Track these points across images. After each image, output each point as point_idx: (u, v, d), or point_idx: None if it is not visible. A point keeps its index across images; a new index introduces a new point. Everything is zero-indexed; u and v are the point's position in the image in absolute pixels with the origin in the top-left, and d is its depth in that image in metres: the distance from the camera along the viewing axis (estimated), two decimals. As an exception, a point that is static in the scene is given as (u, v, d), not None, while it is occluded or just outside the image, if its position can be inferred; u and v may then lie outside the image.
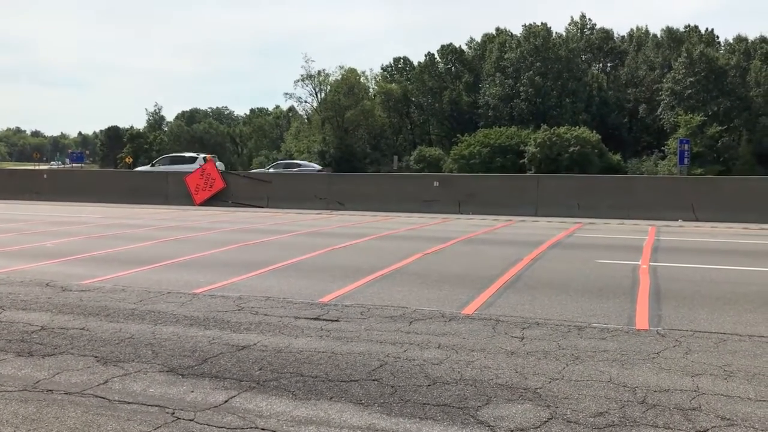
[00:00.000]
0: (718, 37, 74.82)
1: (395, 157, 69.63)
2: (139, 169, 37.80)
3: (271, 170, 35.12)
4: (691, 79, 63.79)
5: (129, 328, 6.40)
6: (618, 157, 60.71)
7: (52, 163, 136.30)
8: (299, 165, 42.57)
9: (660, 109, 66.87)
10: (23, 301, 7.63)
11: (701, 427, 4.01)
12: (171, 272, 9.69)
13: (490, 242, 13.52)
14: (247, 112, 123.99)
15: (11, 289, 8.31)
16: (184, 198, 24.54)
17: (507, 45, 77.59)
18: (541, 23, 77.54)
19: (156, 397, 4.56)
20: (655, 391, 4.60)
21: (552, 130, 58.38)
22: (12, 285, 8.57)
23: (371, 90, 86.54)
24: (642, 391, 4.62)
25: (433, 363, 5.26)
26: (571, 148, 56.04)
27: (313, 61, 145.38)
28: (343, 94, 78.27)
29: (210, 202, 24.25)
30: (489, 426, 4.05)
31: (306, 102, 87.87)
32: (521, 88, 73.45)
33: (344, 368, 5.15)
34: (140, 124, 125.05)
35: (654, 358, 5.38)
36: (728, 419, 4.13)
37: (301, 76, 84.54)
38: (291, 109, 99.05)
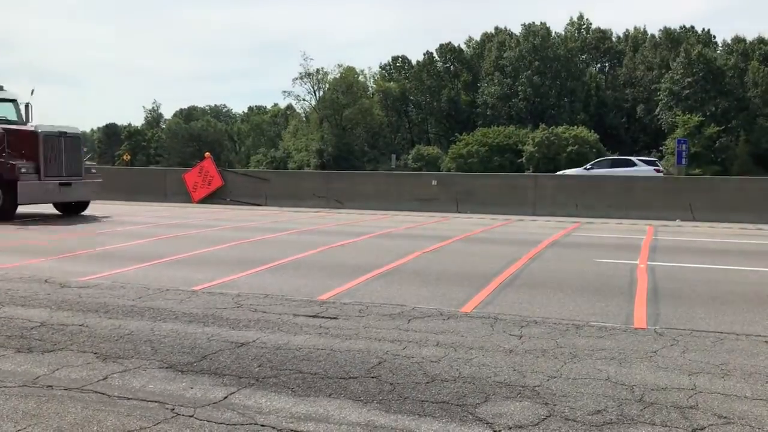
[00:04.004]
0: (714, 37, 75.02)
1: (393, 156, 69.69)
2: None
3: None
4: (689, 80, 63.92)
5: (128, 325, 6.41)
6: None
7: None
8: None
9: (658, 110, 66.99)
10: (22, 297, 7.63)
11: (698, 425, 4.03)
12: (169, 269, 9.70)
13: (488, 241, 13.54)
14: (245, 110, 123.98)
15: (10, 285, 8.31)
16: (183, 195, 24.52)
17: (506, 44, 77.68)
18: (540, 23, 77.66)
19: (155, 393, 4.57)
20: (652, 390, 4.63)
21: (550, 130, 58.45)
22: (10, 281, 8.57)
23: (370, 88, 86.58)
24: (640, 389, 4.64)
25: (432, 360, 5.28)
26: (569, 148, 56.11)
27: (311, 59, 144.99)
28: (341, 93, 78.34)
29: (208, 199, 24.23)
30: (487, 423, 4.07)
31: (304, 100, 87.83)
32: (519, 88, 73.54)
33: (343, 365, 5.17)
34: (138, 121, 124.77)
35: (651, 356, 5.41)
36: (725, 417, 4.15)
37: (300, 74, 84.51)
38: (289, 107, 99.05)
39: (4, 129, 17.04)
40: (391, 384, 4.75)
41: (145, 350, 5.60)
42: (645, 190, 19.93)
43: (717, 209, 18.28)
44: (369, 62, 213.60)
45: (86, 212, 18.94)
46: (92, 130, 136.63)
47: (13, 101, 18.84)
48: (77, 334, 6.11)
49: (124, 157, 78.24)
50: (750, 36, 70.46)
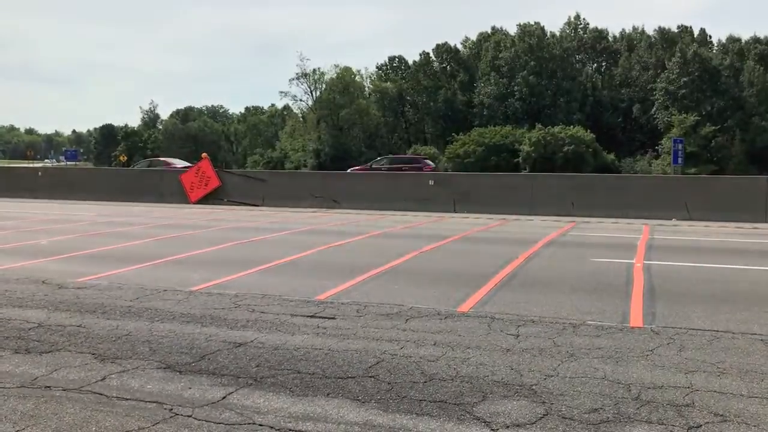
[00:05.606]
0: (710, 37, 75.07)
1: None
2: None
3: None
4: (685, 79, 64.00)
5: (126, 326, 6.42)
6: (612, 156, 60.86)
7: (45, 160, 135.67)
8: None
9: (654, 109, 67.06)
10: (20, 298, 7.63)
11: (695, 423, 4.06)
12: (167, 270, 9.70)
13: (485, 241, 13.56)
14: (242, 111, 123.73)
15: (7, 286, 8.31)
16: (180, 196, 24.50)
17: (502, 44, 77.68)
18: (535, 23, 77.70)
19: (154, 394, 4.58)
20: (649, 388, 4.65)
21: (546, 130, 58.48)
22: (8, 282, 8.56)
23: (366, 89, 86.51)
24: (636, 387, 4.66)
25: (430, 360, 5.30)
26: (566, 148, 56.15)
27: (308, 59, 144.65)
28: (338, 93, 78.20)
29: (205, 200, 24.23)
30: (485, 422, 4.08)
31: (301, 100, 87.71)
32: (516, 88, 73.55)
33: (341, 365, 5.18)
34: (135, 122, 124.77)
35: (648, 355, 5.43)
36: (721, 415, 4.17)
37: (297, 74, 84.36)
38: (286, 107, 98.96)
39: None
40: (389, 383, 4.76)
41: (143, 351, 5.60)
42: (641, 190, 19.99)
43: (713, 208, 18.33)
44: (366, 62, 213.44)
45: (82, 212, 18.90)
46: (89, 130, 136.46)
47: None
48: (75, 334, 6.11)
49: (121, 158, 78.03)
50: (745, 35, 70.73)
